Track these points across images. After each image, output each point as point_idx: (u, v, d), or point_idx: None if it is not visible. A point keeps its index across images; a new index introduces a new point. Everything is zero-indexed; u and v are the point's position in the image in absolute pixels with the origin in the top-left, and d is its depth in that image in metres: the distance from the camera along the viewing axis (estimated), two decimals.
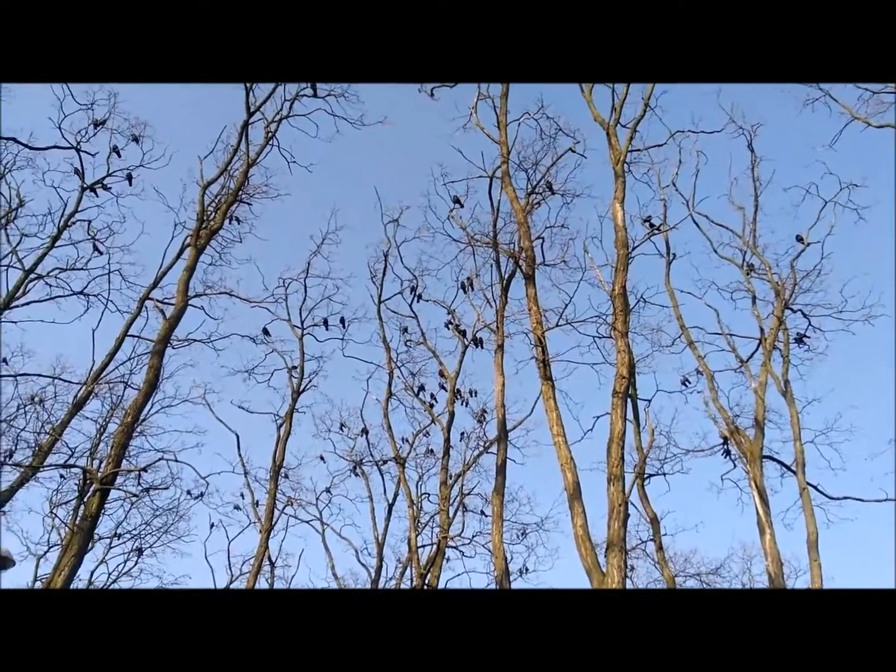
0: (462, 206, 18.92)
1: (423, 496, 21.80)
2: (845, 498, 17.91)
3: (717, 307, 20.77)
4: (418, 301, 21.36)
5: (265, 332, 21.15)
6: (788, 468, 18.36)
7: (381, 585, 20.92)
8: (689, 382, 19.54)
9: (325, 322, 21.77)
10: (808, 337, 19.37)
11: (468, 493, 20.93)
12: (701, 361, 19.39)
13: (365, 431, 22.22)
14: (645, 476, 19.17)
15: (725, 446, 18.55)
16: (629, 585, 22.45)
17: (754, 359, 19.65)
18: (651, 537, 19.23)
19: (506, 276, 18.46)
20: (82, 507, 16.38)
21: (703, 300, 20.67)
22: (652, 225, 18.66)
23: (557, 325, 15.31)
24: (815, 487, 17.74)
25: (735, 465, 18.79)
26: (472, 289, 19.85)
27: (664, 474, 19.72)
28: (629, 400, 17.02)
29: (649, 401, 19.40)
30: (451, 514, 19.43)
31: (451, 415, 20.19)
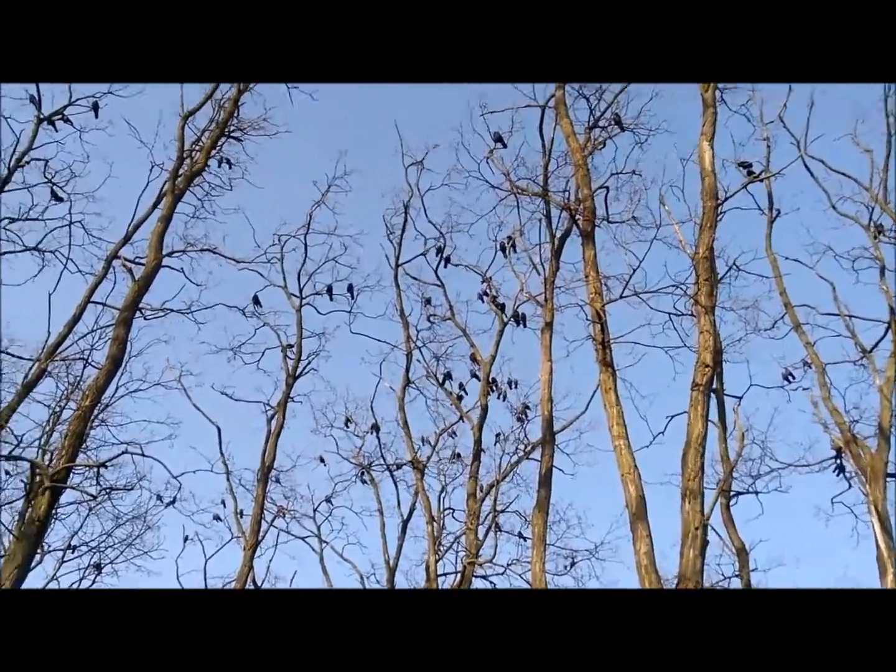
0: (504, 146, 17.67)
1: (445, 511, 21.23)
2: None
3: (834, 280, 19.87)
4: (446, 265, 20.66)
5: (256, 301, 20.59)
6: None
7: None
8: (794, 377, 18.94)
9: (330, 290, 21.21)
10: None
11: (503, 510, 20.41)
12: (810, 349, 18.73)
13: (375, 428, 21.55)
14: (731, 494, 18.31)
15: (839, 460, 17.99)
16: None
17: (880, 348, 18.66)
18: (737, 573, 18.20)
19: (558, 235, 17.55)
20: (29, 509, 15.57)
21: (814, 270, 19.94)
22: (750, 171, 17.52)
23: (622, 297, 14.56)
24: None
25: (850, 485, 18.10)
26: (515, 250, 19.04)
27: (756, 493, 19.02)
28: (713, 396, 16.15)
29: (740, 398, 18.65)
30: (480, 536, 18.84)
31: (484, 410, 19.61)
